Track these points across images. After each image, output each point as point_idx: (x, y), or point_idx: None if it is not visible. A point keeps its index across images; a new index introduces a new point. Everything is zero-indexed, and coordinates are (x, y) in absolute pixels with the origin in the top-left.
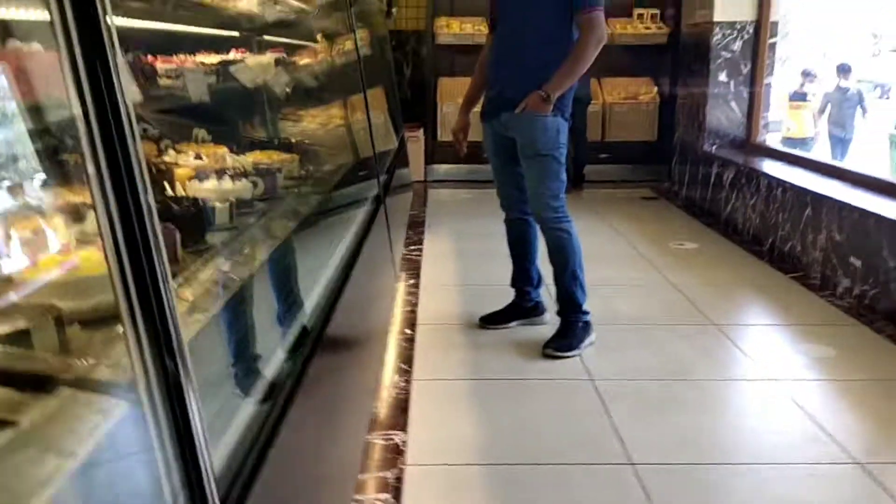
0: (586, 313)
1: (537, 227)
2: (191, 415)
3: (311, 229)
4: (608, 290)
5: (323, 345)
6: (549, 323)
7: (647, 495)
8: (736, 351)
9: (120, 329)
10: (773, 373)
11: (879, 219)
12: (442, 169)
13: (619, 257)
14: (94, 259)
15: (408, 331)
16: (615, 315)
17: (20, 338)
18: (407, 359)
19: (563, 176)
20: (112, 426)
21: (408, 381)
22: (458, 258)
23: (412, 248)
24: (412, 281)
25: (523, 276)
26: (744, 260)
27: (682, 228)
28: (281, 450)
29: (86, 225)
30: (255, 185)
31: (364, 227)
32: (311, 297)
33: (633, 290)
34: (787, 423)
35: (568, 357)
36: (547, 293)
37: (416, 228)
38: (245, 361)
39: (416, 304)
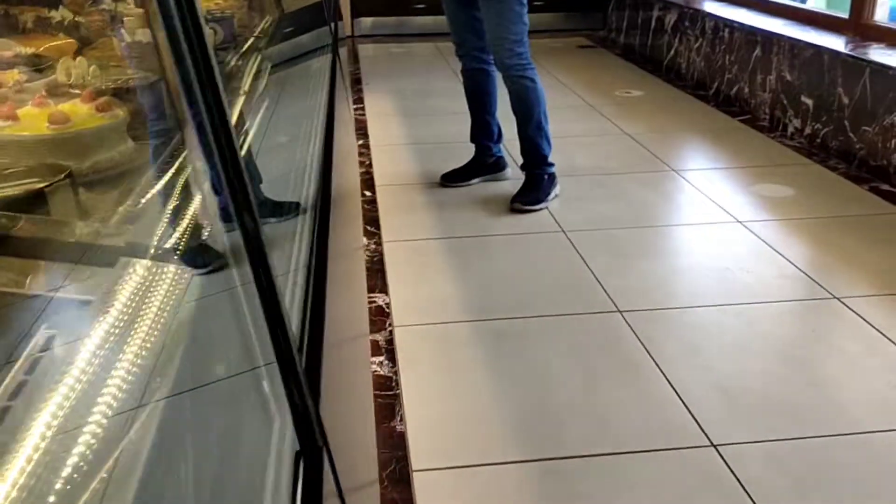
0: (551, 165)
1: (496, 76)
2: (272, 272)
3: (277, 80)
4: (562, 142)
5: (322, 206)
6: (511, 178)
7: (640, 341)
8: (697, 194)
9: None
10: (738, 214)
11: (834, 55)
12: (368, 22)
13: (567, 108)
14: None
15: (367, 192)
16: (573, 166)
17: None
18: (372, 221)
19: (526, 19)
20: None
21: (378, 244)
22: (404, 116)
23: (354, 107)
24: (361, 141)
25: (483, 130)
26: (690, 105)
27: (624, 77)
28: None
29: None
30: (214, 32)
31: (329, 81)
32: (303, 159)
33: (587, 141)
34: (760, 264)
35: (536, 210)
36: (505, 148)
37: (353, 87)
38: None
39: (370, 165)
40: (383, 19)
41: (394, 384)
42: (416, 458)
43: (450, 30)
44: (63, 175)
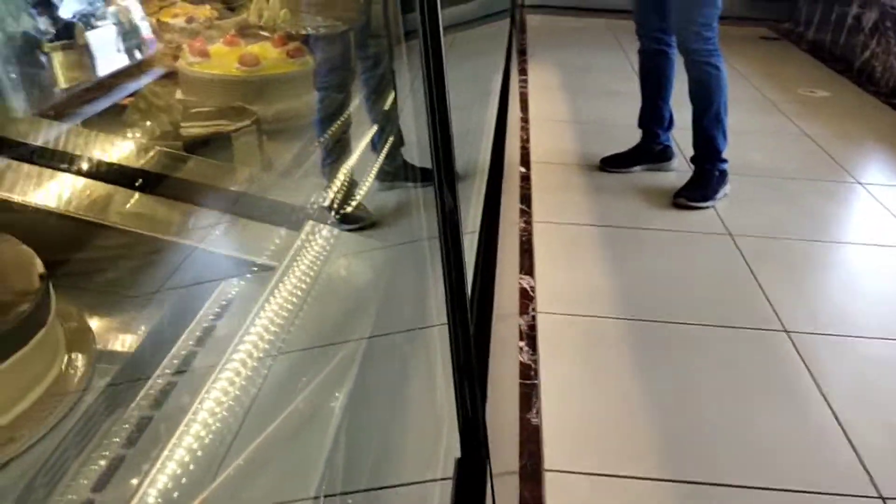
0: (724, 161)
1: (676, 60)
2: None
3: (452, 43)
4: (736, 138)
5: (493, 176)
6: (677, 170)
7: (806, 367)
8: (884, 213)
9: None
10: None
11: None
12: None
13: (745, 101)
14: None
15: (522, 168)
16: (747, 164)
17: None
18: (524, 198)
19: (720, 2)
20: None
21: (528, 223)
22: (568, 92)
23: (519, 78)
24: (521, 114)
25: (654, 116)
26: (882, 113)
27: (809, 74)
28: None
29: None
30: None
31: (507, 47)
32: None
33: (763, 139)
34: None
35: (702, 208)
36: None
37: (518, 58)
38: None
39: (527, 140)
40: None
41: (532, 373)
42: (550, 457)
43: (632, 8)
44: (250, 121)
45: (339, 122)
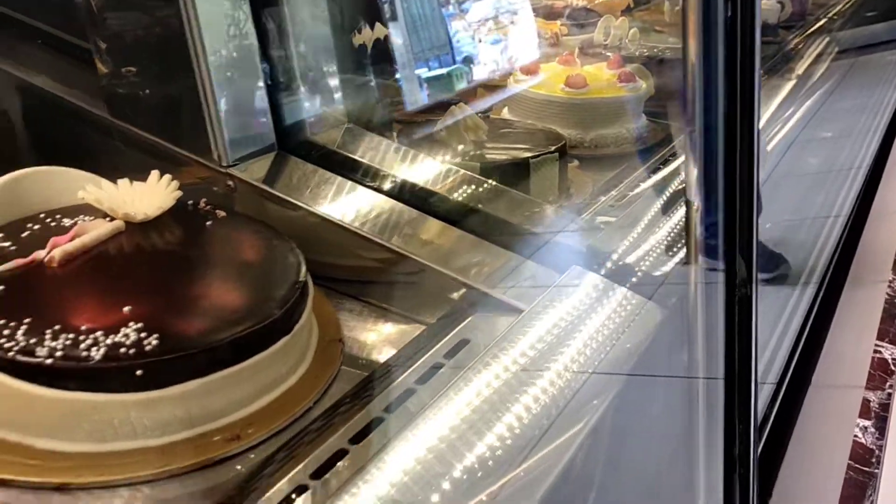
0: None
1: None
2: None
3: (840, 68)
4: None
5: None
6: None
7: None
8: None
9: None
10: None
11: None
12: None
13: None
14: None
15: None
16: None
17: None
18: None
19: None
20: None
21: None
22: None
23: None
24: None
25: None
26: None
27: None
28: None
29: None
30: (782, 6)
31: None
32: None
33: None
34: None
35: None
36: None
37: None
38: None
39: None
40: None
41: (874, 460)
42: None
43: None
44: (554, 148)
45: (661, 155)
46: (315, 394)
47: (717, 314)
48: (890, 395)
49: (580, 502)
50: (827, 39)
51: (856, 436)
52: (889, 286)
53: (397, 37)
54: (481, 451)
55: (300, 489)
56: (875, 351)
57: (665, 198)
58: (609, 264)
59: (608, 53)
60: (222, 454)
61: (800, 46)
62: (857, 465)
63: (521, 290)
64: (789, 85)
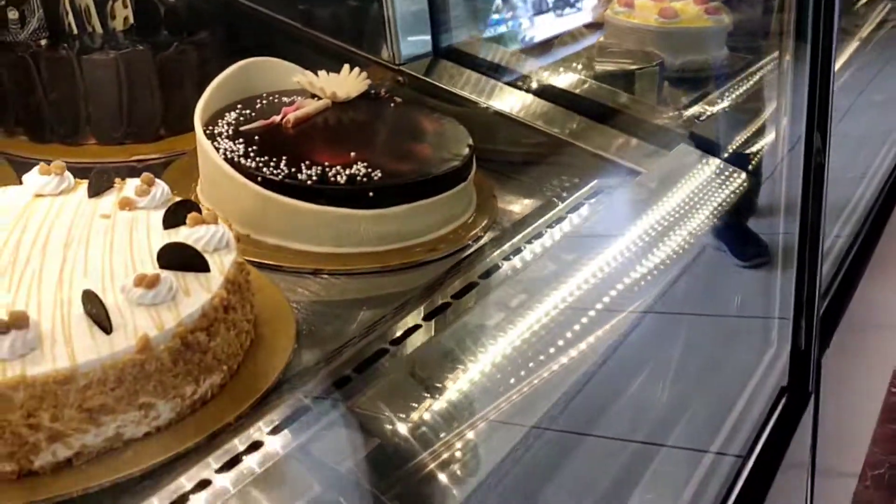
0: None
1: None
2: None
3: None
4: None
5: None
6: None
7: None
8: None
9: None
10: None
11: None
12: None
13: None
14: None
15: None
16: None
17: None
18: None
19: None
20: None
21: None
22: None
23: None
24: None
25: None
26: None
27: None
28: None
29: None
30: None
31: None
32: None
33: None
34: None
35: None
36: None
37: None
38: None
39: None
40: None
41: None
42: None
43: None
44: (654, 63)
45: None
46: (480, 229)
47: (797, 181)
48: None
49: None
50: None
51: None
52: None
53: None
54: None
55: (471, 285)
56: None
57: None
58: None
59: None
60: (422, 259)
61: (865, 8)
62: None
63: (639, 158)
64: (851, 47)
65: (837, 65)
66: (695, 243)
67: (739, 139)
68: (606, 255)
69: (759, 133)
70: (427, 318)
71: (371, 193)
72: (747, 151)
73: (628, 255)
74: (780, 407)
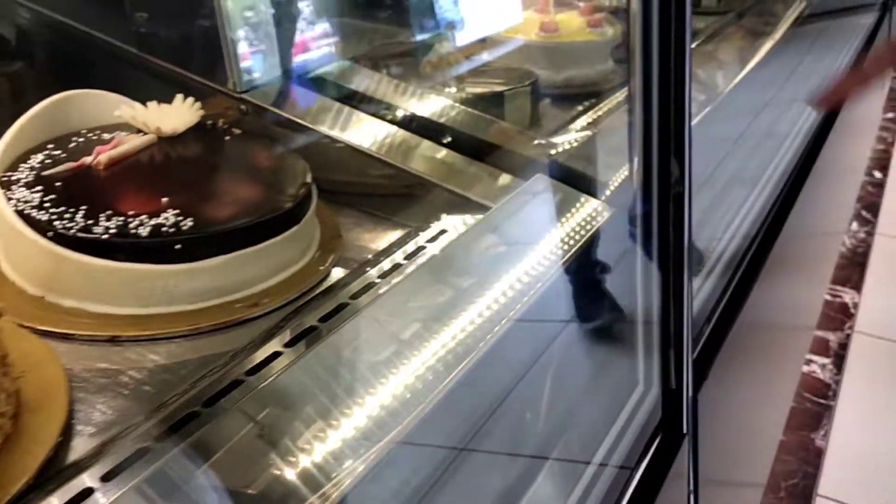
0: None
1: None
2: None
3: (808, 34)
4: None
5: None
6: None
7: None
8: None
9: None
10: None
11: None
12: None
13: None
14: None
15: (876, 173)
16: None
17: None
18: (871, 206)
19: None
20: None
21: (869, 234)
22: None
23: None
24: (892, 115)
25: None
26: None
27: None
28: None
29: None
30: None
31: (865, 41)
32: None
33: None
34: None
35: None
36: None
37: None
38: None
39: (892, 144)
40: None
41: (830, 394)
42: (827, 483)
43: None
44: (527, 82)
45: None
46: (318, 276)
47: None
48: (849, 336)
49: None
50: (805, 4)
51: (812, 371)
52: (849, 238)
53: None
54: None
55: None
56: (834, 295)
57: (619, 124)
58: (566, 174)
59: (580, 3)
60: (243, 317)
61: (778, 8)
62: (812, 397)
63: (489, 192)
64: (766, 46)
65: (750, 65)
66: (537, 286)
67: (600, 166)
68: (444, 303)
69: (620, 158)
70: (250, 372)
71: (178, 246)
72: (605, 179)
73: (466, 305)
74: (651, 449)
